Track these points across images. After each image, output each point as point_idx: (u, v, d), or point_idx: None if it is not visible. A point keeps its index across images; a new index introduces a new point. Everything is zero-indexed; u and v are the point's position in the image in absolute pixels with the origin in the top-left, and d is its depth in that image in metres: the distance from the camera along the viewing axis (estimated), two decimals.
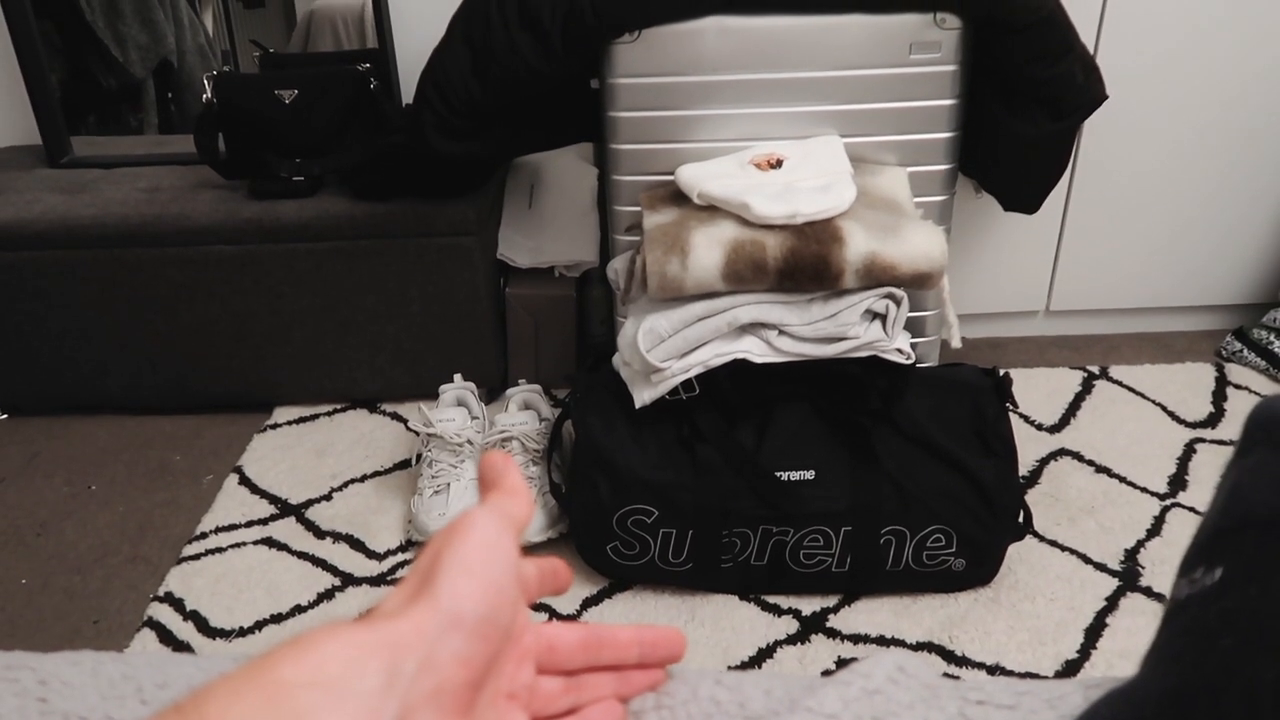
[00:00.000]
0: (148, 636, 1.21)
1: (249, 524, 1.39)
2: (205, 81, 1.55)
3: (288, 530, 1.38)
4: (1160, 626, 0.39)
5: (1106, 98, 1.32)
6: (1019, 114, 1.31)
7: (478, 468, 0.41)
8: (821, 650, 1.17)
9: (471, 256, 1.53)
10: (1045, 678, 1.11)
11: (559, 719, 0.42)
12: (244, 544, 1.36)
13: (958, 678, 0.44)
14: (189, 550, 1.35)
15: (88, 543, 1.38)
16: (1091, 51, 1.52)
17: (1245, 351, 1.68)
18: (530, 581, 0.42)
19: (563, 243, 1.63)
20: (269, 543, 1.36)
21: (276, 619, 1.23)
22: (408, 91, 1.71)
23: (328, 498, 1.44)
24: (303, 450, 1.54)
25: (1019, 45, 1.24)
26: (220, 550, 1.35)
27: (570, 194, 1.71)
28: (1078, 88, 1.29)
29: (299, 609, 1.25)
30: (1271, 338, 1.65)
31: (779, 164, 1.22)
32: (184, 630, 1.22)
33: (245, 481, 1.48)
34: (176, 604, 1.26)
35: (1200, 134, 1.60)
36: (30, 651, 0.45)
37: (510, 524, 0.38)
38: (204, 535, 1.37)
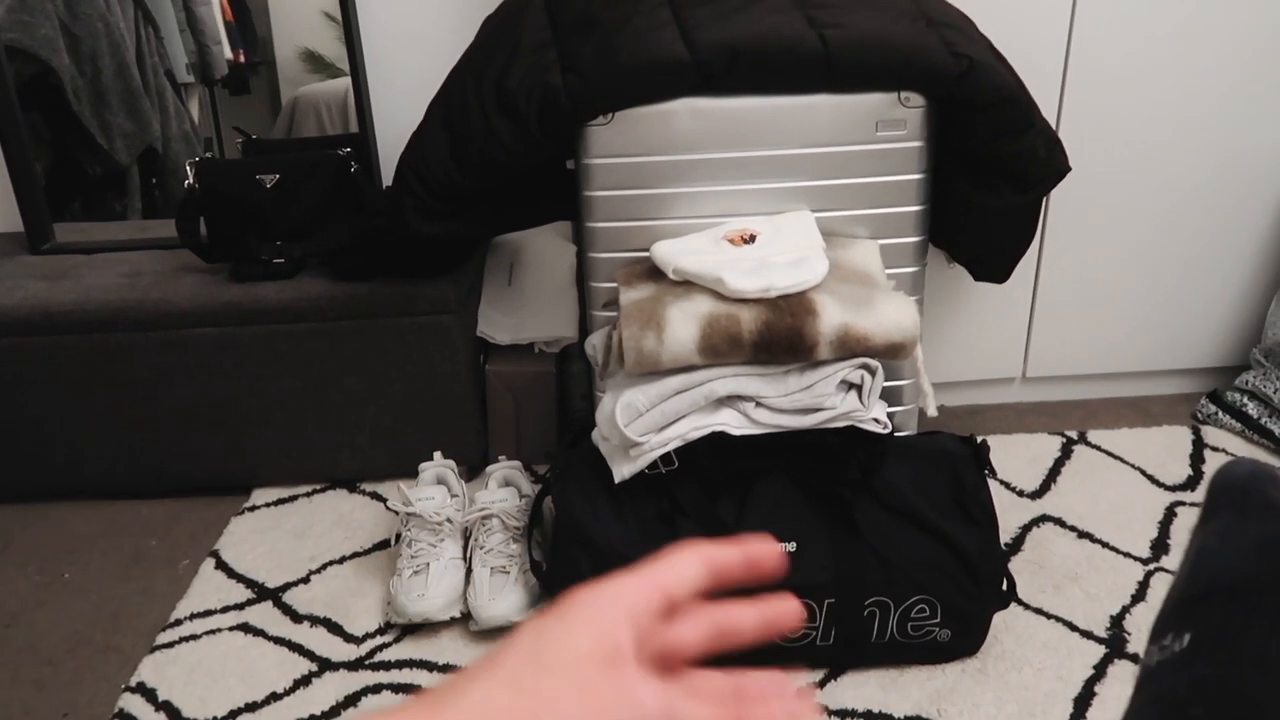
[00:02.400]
0: None
1: (225, 609, 1.37)
2: (188, 167, 1.57)
3: (264, 615, 1.36)
4: (1132, 694, 0.39)
5: (1070, 169, 1.36)
6: (985, 187, 1.34)
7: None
8: None
9: (451, 335, 1.54)
10: None
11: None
12: (219, 630, 1.33)
13: None
14: (163, 638, 1.32)
15: (59, 633, 1.35)
16: (1054, 123, 1.56)
17: (1220, 414, 1.69)
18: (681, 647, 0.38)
19: (542, 319, 1.64)
20: (245, 628, 1.33)
21: (251, 708, 1.20)
22: (388, 174, 1.74)
23: (305, 580, 1.42)
24: (281, 532, 1.52)
25: (982, 122, 1.28)
26: (195, 637, 1.32)
27: (549, 271, 1.73)
28: (1041, 161, 1.32)
29: (274, 696, 1.22)
30: (1244, 400, 1.67)
31: (752, 239, 1.24)
32: None
33: (222, 565, 1.46)
34: (149, 694, 1.23)
35: (1166, 200, 1.65)
36: None
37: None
38: (178, 622, 1.35)
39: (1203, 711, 0.34)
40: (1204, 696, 0.34)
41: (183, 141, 1.87)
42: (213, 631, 1.33)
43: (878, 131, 1.27)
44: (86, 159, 1.83)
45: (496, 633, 1.28)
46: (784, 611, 0.41)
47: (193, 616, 1.36)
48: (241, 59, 1.82)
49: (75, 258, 1.69)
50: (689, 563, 0.39)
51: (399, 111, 1.75)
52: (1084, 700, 1.18)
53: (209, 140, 1.86)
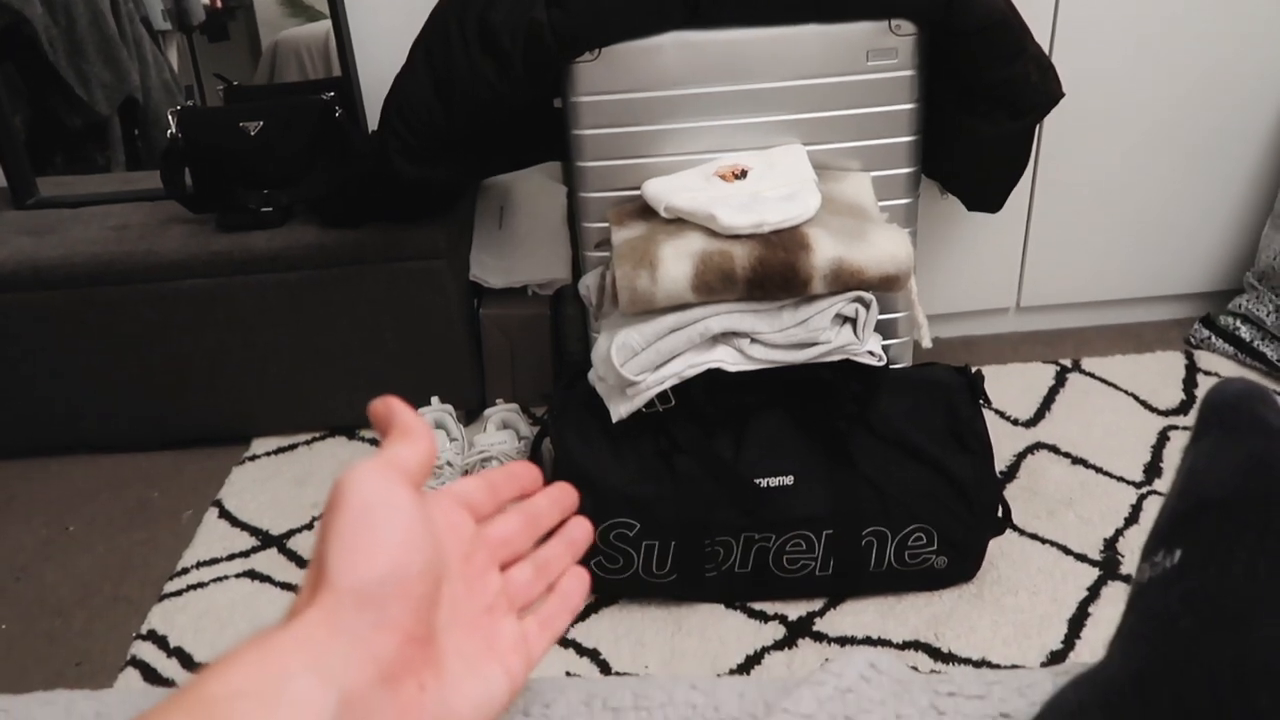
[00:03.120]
0: (132, 676, 1.20)
1: (230, 557, 1.39)
2: (170, 117, 1.55)
3: (270, 562, 1.37)
4: (1125, 610, 0.40)
5: (1063, 95, 1.34)
6: (977, 115, 1.33)
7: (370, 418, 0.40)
8: (809, 654, 1.18)
9: (444, 280, 1.53)
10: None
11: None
12: (226, 578, 1.35)
13: (939, 673, 0.45)
14: (171, 587, 1.34)
15: (68, 585, 1.37)
16: (1046, 50, 1.54)
17: (1213, 338, 1.70)
18: (478, 500, 0.42)
19: (535, 262, 1.64)
20: (251, 575, 1.35)
21: None
22: (373, 118, 1.72)
23: (309, 527, 1.43)
24: (282, 481, 1.54)
25: (973, 48, 1.26)
26: (202, 585, 1.34)
27: (540, 213, 1.71)
28: (1033, 87, 1.31)
29: None
30: (1237, 323, 1.68)
31: (743, 175, 1.23)
32: (169, 668, 1.21)
33: (225, 515, 1.47)
34: (160, 642, 1.25)
35: (1160, 125, 1.63)
36: (3, 694, 0.45)
37: (398, 471, 0.37)
38: (185, 571, 1.37)
39: (1192, 623, 0.34)
40: (1194, 609, 0.35)
41: (163, 91, 1.84)
42: (219, 579, 1.35)
43: (868, 61, 1.25)
44: (65, 111, 1.80)
45: None
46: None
47: (199, 565, 1.37)
48: (219, 4, 1.78)
49: (60, 212, 1.67)
50: (473, 483, 0.44)
51: (382, 54, 1.72)
52: (1078, 621, 1.20)
53: (190, 88, 1.83)
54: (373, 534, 0.34)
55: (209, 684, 0.31)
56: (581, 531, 0.48)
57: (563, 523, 0.48)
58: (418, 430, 0.39)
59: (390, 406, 0.39)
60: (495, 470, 0.46)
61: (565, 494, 0.48)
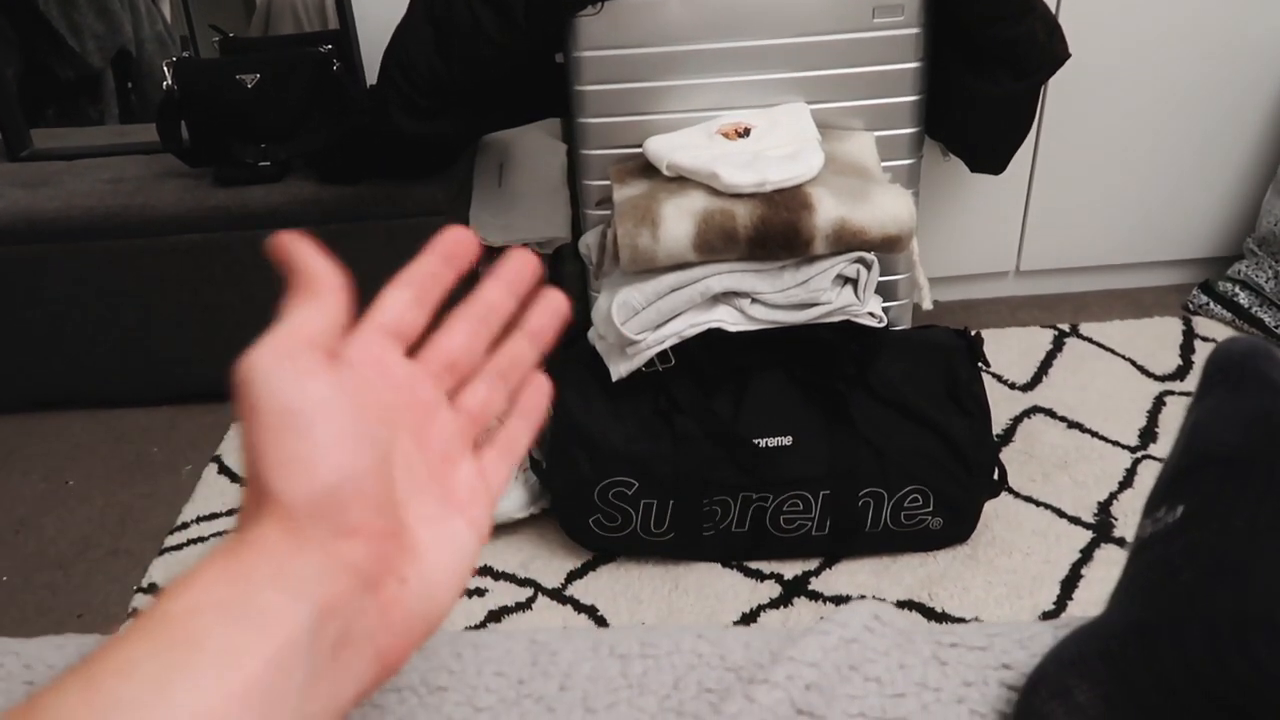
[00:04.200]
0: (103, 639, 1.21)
1: (229, 513, 1.39)
2: (165, 68, 1.52)
3: None
4: (1125, 565, 0.40)
5: (1069, 56, 1.33)
6: (982, 75, 1.32)
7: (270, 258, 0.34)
8: (805, 613, 1.19)
9: None
10: None
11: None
12: (225, 533, 1.35)
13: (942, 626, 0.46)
14: (171, 541, 1.35)
15: (68, 537, 1.37)
16: (1054, 10, 1.52)
17: (1211, 304, 1.70)
18: (406, 320, 0.37)
19: (534, 220, 1.63)
20: None
21: None
22: (371, 72, 1.70)
23: None
24: None
25: (981, 6, 1.24)
26: (202, 539, 1.35)
27: (540, 171, 1.70)
28: (1040, 47, 1.30)
29: None
30: (1236, 289, 1.68)
31: (746, 133, 1.22)
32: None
33: (225, 470, 1.47)
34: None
35: (1164, 90, 1.62)
36: (14, 638, 0.46)
37: (306, 347, 0.32)
38: (185, 525, 1.37)
39: (1193, 576, 0.35)
40: (1195, 562, 0.35)
41: (156, 43, 1.81)
42: (219, 534, 1.35)
43: (874, 19, 1.24)
44: (58, 63, 1.77)
45: (499, 528, 1.31)
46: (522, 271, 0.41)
47: (199, 520, 1.38)
48: None
49: (55, 165, 1.65)
50: (390, 295, 0.38)
51: (380, 6, 1.69)
52: (1070, 582, 1.21)
53: (185, 39, 1.80)
54: (304, 442, 0.30)
55: (169, 601, 0.29)
56: (548, 313, 0.40)
57: (523, 308, 0.40)
58: (321, 280, 0.33)
59: (290, 248, 0.33)
60: (420, 261, 0.39)
61: (519, 268, 0.40)
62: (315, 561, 0.30)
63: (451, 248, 0.39)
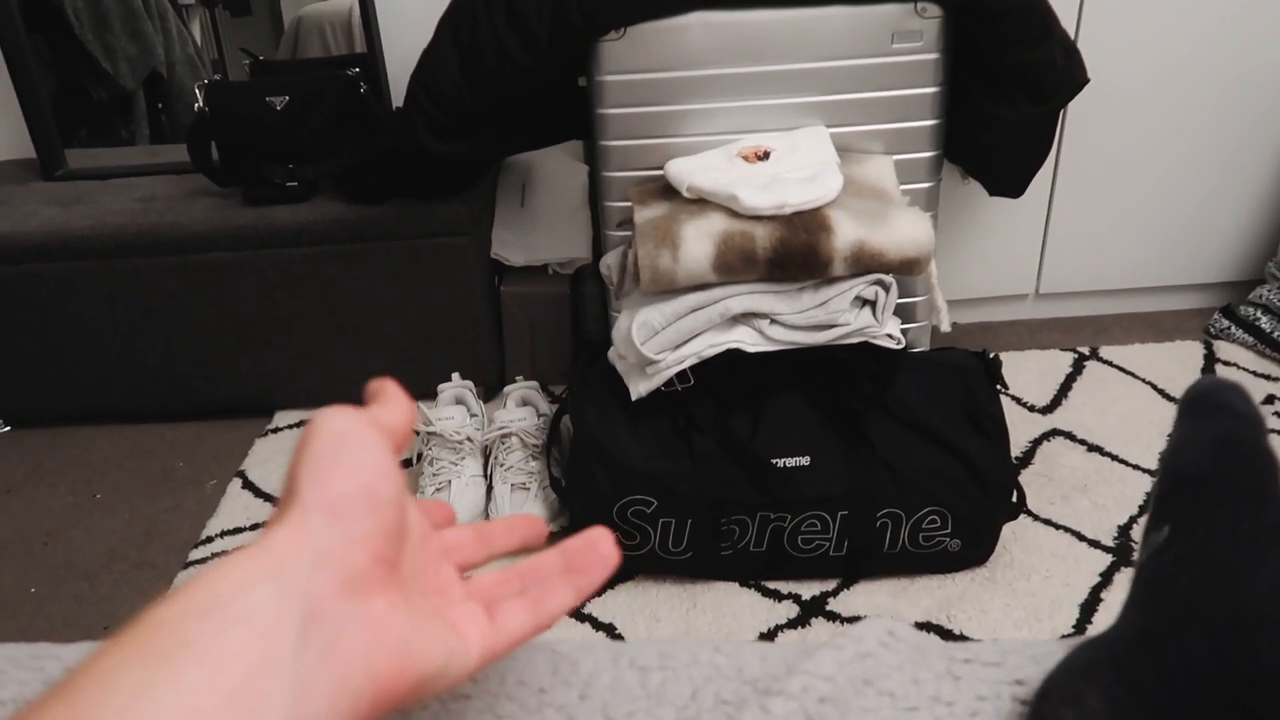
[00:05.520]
0: None
1: (253, 527, 1.41)
2: (197, 90, 1.56)
3: None
4: (1129, 586, 0.42)
5: (1088, 81, 1.34)
6: (1001, 99, 1.33)
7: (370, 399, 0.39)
8: (822, 633, 1.19)
9: (466, 256, 1.55)
10: None
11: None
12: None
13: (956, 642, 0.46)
14: (195, 555, 1.36)
15: (95, 550, 1.40)
16: (1072, 35, 1.54)
17: (1233, 328, 1.70)
18: (456, 539, 0.41)
19: (555, 240, 1.65)
20: None
21: None
22: (397, 95, 1.73)
23: None
24: None
25: (999, 31, 1.25)
26: (226, 553, 1.36)
27: (561, 192, 1.72)
28: (1058, 71, 1.30)
29: None
30: (1258, 314, 1.67)
31: (766, 156, 1.24)
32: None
33: (249, 485, 1.49)
34: None
35: (1183, 114, 1.62)
36: (56, 643, 0.47)
37: (373, 421, 0.36)
38: (210, 539, 1.39)
39: (1189, 583, 0.37)
40: (1187, 571, 0.37)
41: (187, 65, 1.85)
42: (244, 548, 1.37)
43: (893, 44, 1.25)
44: (91, 84, 1.81)
45: None
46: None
47: (223, 534, 1.40)
48: None
49: (88, 183, 1.69)
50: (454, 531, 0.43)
51: (406, 31, 1.73)
52: (1090, 606, 1.21)
53: (215, 63, 1.84)
54: (345, 459, 0.33)
55: (159, 609, 0.29)
56: (594, 560, 0.42)
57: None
58: (400, 399, 0.38)
59: (382, 383, 0.39)
60: (493, 522, 0.44)
61: (530, 526, 0.45)
62: (315, 560, 0.31)
63: (527, 535, 0.44)
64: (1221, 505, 0.37)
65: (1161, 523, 0.39)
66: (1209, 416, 0.41)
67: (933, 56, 1.26)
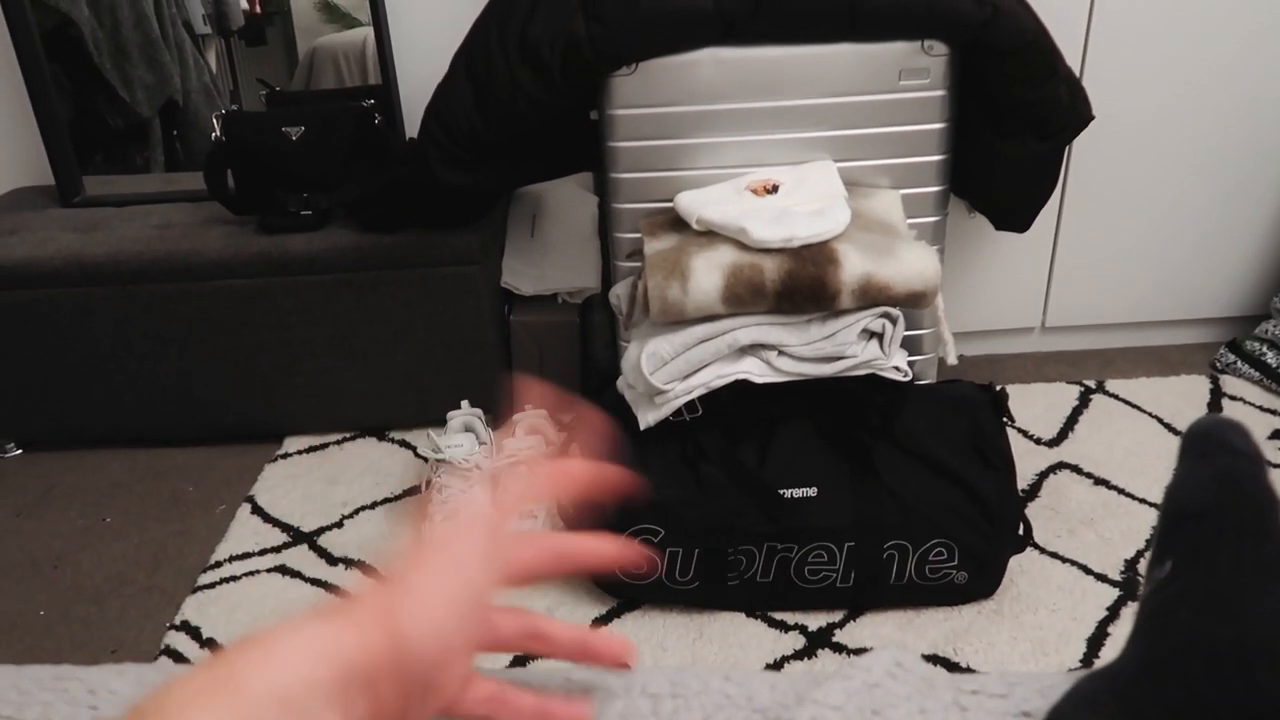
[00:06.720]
0: (166, 665, 1.23)
1: (262, 552, 1.42)
2: (215, 120, 1.59)
3: (301, 558, 1.40)
4: (1134, 621, 0.43)
5: (1093, 118, 1.36)
6: (1007, 136, 1.35)
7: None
8: (829, 665, 1.19)
9: (476, 285, 1.56)
10: None
11: None
12: (258, 572, 1.38)
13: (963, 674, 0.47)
14: (204, 579, 1.37)
15: (104, 573, 1.40)
16: (1077, 72, 1.56)
17: (1239, 363, 1.70)
18: (525, 567, 0.42)
19: (565, 270, 1.66)
20: (283, 570, 1.38)
21: None
22: (410, 126, 1.76)
23: (339, 525, 1.46)
24: (314, 479, 1.57)
25: (1005, 69, 1.27)
26: (235, 579, 1.37)
27: (571, 222, 1.74)
28: (1064, 109, 1.32)
29: None
30: (1264, 349, 1.68)
31: (774, 189, 1.25)
32: (200, 657, 1.24)
33: (258, 511, 1.50)
34: (193, 632, 1.28)
35: (1187, 150, 1.64)
36: (79, 666, 0.48)
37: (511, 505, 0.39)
38: (218, 564, 1.40)
39: (1191, 614, 0.38)
40: (1190, 603, 0.38)
41: (202, 94, 1.88)
42: (252, 573, 1.38)
43: (901, 80, 1.27)
44: (108, 111, 1.84)
45: None
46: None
47: (232, 559, 1.41)
48: (258, 10, 1.82)
49: (105, 210, 1.71)
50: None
51: (419, 63, 1.76)
52: (1097, 640, 1.21)
53: (233, 93, 1.87)
54: (451, 602, 0.37)
55: (248, 675, 0.32)
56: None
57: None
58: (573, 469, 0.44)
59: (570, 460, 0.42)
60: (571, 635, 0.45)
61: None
62: (360, 688, 0.34)
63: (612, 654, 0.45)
64: (1223, 540, 0.38)
65: (1164, 557, 0.40)
66: (1210, 454, 0.42)
67: (940, 93, 1.28)
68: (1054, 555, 1.33)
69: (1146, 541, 1.35)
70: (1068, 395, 1.68)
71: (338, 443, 1.65)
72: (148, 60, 1.80)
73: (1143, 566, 1.31)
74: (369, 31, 1.76)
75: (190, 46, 1.83)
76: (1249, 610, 0.36)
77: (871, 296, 1.16)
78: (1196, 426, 0.44)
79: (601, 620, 1.27)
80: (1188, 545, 0.39)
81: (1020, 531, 1.25)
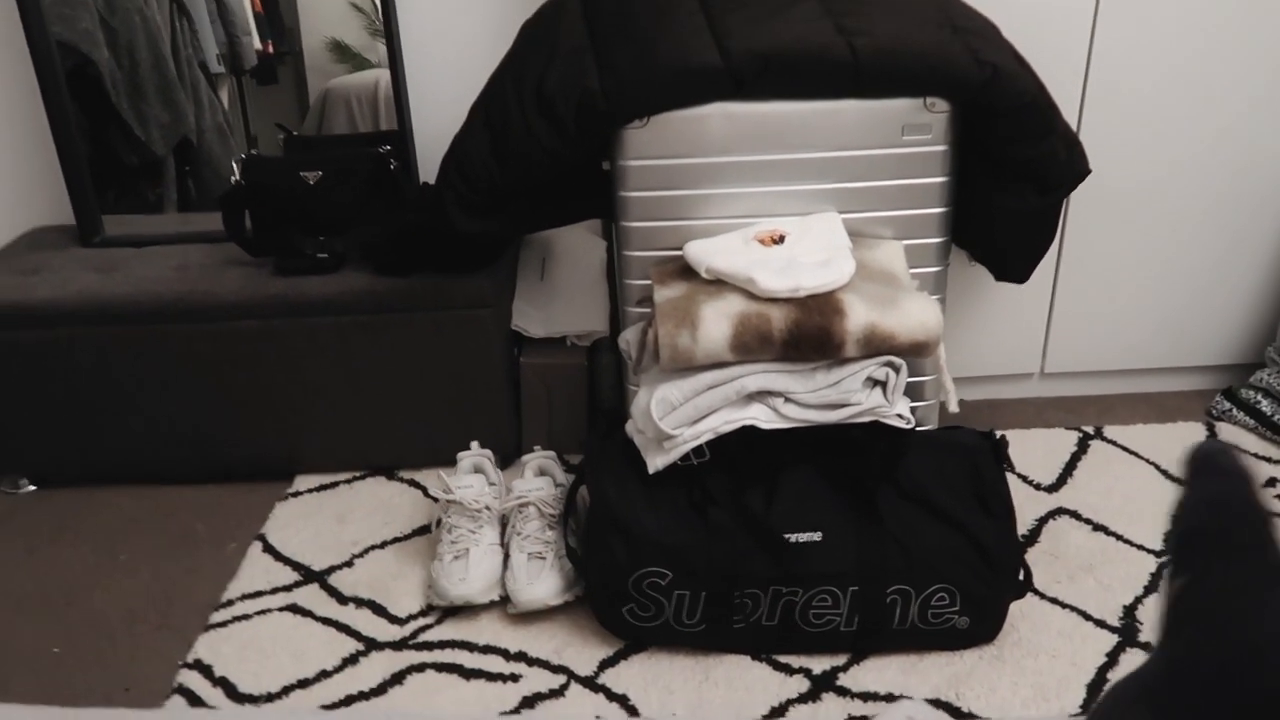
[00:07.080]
0: (178, 703, 1.25)
1: (274, 590, 1.43)
2: (234, 164, 1.63)
3: (311, 596, 1.42)
4: (1157, 635, 0.49)
5: (1089, 172, 1.40)
6: (1006, 190, 1.39)
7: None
8: (833, 708, 1.21)
9: (487, 328, 1.59)
10: None
11: None
12: (269, 610, 1.39)
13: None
14: (216, 617, 1.39)
15: (116, 611, 1.42)
16: (1074, 126, 1.60)
17: (1234, 410, 1.73)
18: None
19: (574, 313, 1.70)
20: (293, 609, 1.39)
21: (303, 684, 1.27)
22: (425, 171, 1.80)
23: (349, 564, 1.48)
24: (324, 517, 1.59)
25: (1004, 127, 1.32)
26: (246, 617, 1.38)
27: (580, 266, 1.78)
28: (1061, 164, 1.36)
29: (324, 673, 1.28)
30: (1259, 397, 1.71)
31: (781, 240, 1.29)
32: (213, 696, 1.25)
33: (269, 549, 1.52)
34: (205, 670, 1.29)
35: (1183, 202, 1.68)
36: (89, 707, 0.50)
37: None
38: (230, 603, 1.41)
39: (1200, 621, 0.45)
40: (1204, 609, 0.45)
41: (216, 133, 1.92)
42: (263, 611, 1.39)
43: (903, 136, 1.32)
44: (123, 149, 1.88)
45: (533, 615, 1.35)
46: None
47: (243, 597, 1.42)
48: (270, 50, 1.87)
49: (125, 250, 1.75)
50: None
51: (433, 109, 1.80)
52: (1097, 686, 1.22)
53: (253, 137, 1.91)
54: None
55: None
56: None
57: None
58: None
59: None
60: None
61: None
62: None
63: None
64: (1221, 556, 0.43)
65: (1178, 571, 0.45)
66: (1204, 477, 0.47)
67: (941, 148, 1.32)
68: (1054, 601, 1.35)
69: (1145, 588, 1.37)
70: (1066, 441, 1.70)
71: (348, 481, 1.67)
72: (164, 100, 1.84)
73: (1142, 614, 1.33)
74: (380, 74, 1.81)
75: (205, 86, 1.87)
76: (1257, 610, 0.40)
77: (875, 346, 1.20)
78: (1195, 451, 0.49)
79: (609, 662, 1.28)
80: (1194, 560, 0.45)
81: (1020, 577, 1.28)
